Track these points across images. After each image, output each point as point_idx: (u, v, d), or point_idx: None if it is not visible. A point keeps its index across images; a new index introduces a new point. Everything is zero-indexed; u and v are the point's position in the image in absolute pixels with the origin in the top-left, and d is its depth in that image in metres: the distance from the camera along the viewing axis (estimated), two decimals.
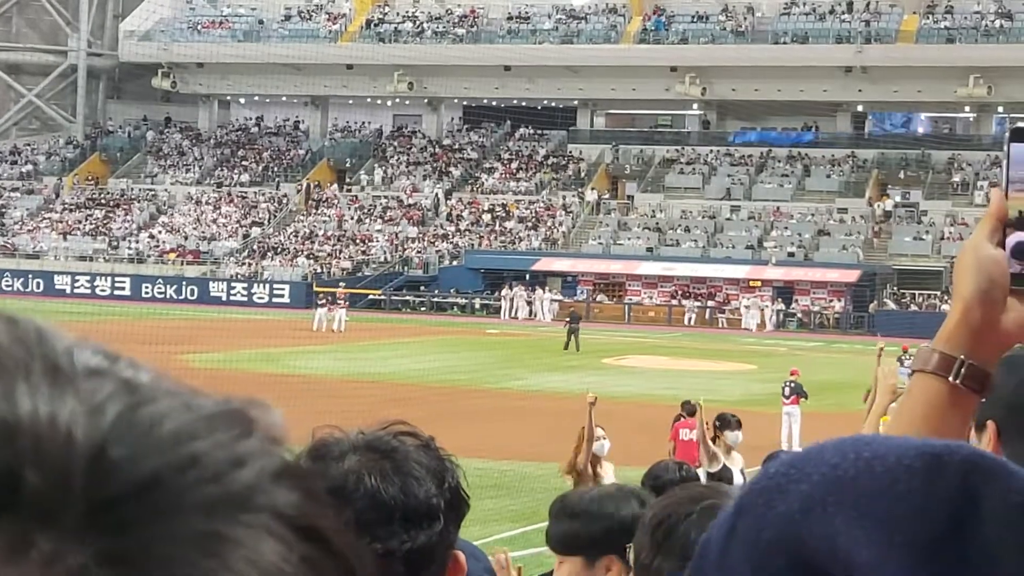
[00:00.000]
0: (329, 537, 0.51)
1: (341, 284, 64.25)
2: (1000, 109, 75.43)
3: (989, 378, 1.73)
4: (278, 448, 0.50)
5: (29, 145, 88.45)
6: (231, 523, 0.47)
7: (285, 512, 0.49)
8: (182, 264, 73.50)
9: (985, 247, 1.70)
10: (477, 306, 66.66)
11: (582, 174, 78.06)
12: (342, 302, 54.37)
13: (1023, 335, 1.74)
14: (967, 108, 76.14)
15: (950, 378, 1.70)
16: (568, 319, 49.54)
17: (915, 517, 0.86)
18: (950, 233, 67.76)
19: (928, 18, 74.49)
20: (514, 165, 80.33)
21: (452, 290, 67.97)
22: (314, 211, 78.63)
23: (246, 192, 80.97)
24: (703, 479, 10.67)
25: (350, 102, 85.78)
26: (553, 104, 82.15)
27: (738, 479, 12.72)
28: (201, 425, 0.47)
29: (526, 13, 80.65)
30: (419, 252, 72.28)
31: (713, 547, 0.94)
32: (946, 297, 61.70)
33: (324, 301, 54.52)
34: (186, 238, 76.40)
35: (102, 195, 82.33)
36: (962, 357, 1.70)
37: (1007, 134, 1.76)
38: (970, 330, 1.71)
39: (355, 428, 2.16)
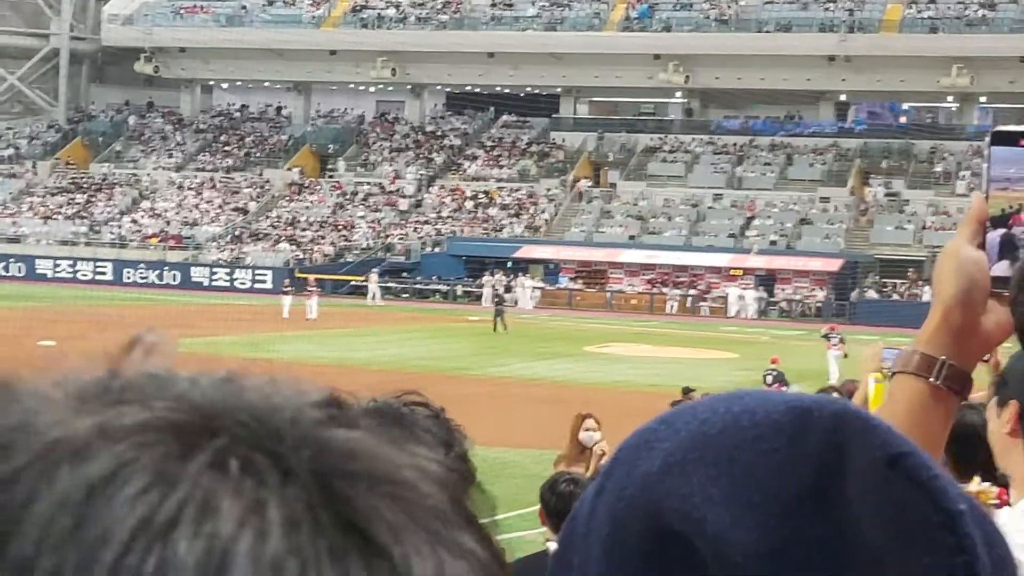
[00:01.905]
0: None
1: (373, 271, 64.49)
2: (982, 99, 75.60)
3: (970, 379, 1.75)
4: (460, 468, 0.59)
5: (11, 129, 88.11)
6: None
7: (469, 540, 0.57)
8: (164, 249, 73.33)
9: (966, 249, 1.73)
10: (459, 293, 66.64)
11: (563, 162, 77.99)
12: (315, 289, 54.05)
13: (1003, 337, 1.76)
14: (950, 98, 76.29)
15: (931, 379, 1.73)
16: (496, 302, 53.01)
17: (778, 474, 0.84)
18: (932, 223, 67.89)
19: (911, 8, 74.57)
20: (496, 152, 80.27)
21: (434, 277, 67.94)
22: (296, 197, 78.49)
23: (228, 178, 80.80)
24: None
25: (333, 88, 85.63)
26: (536, 91, 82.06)
27: None
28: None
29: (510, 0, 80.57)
30: (401, 238, 72.22)
31: (584, 507, 0.92)
32: (925, 285, 61.91)
33: (290, 288, 54.14)
34: (168, 223, 76.22)
35: (84, 180, 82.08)
36: (943, 358, 1.73)
37: (988, 137, 1.83)
38: (951, 332, 1.73)
39: (367, 395, 2.16)
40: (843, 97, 78.55)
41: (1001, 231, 1.74)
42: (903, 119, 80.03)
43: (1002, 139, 1.80)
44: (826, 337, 36.65)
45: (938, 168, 72.63)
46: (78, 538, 0.50)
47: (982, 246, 1.74)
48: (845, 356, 33.42)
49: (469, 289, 66.73)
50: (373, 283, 63.53)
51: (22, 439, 0.53)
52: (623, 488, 0.88)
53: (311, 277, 57.76)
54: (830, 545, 0.82)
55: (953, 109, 78.07)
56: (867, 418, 0.87)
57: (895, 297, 62.85)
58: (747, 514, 0.83)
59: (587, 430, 12.09)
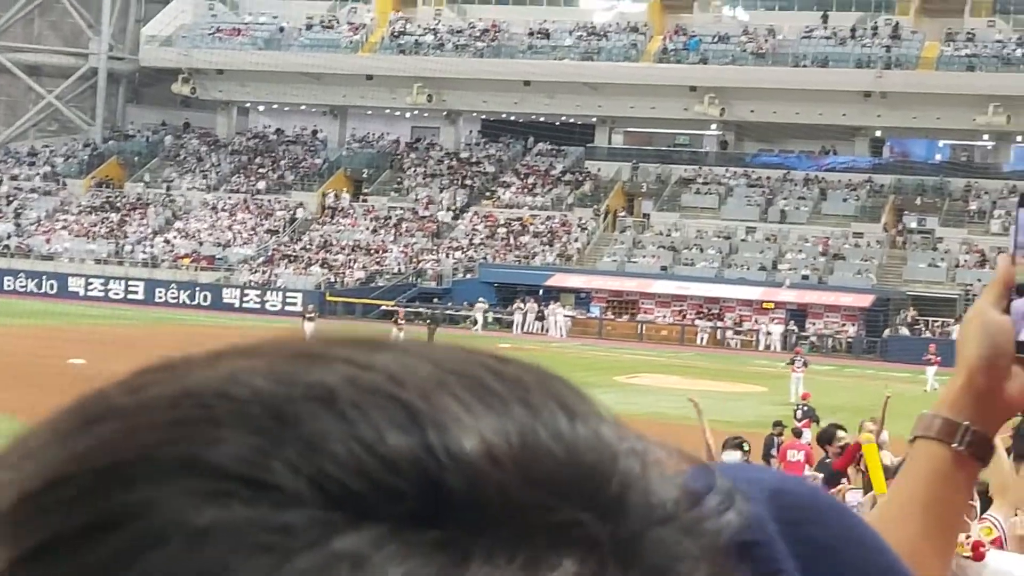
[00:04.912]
0: None
1: (480, 300, 65.25)
2: (1019, 138, 75.32)
3: (992, 445, 1.70)
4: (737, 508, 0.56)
5: (47, 147, 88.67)
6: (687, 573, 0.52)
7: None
8: (196, 270, 73.59)
9: (991, 313, 1.67)
10: (490, 320, 66.65)
11: (597, 191, 78.02)
12: (403, 323, 49.75)
13: None
14: (985, 136, 76.04)
15: (953, 444, 1.68)
16: (428, 321, 53.37)
17: None
18: (965, 261, 67.60)
19: (949, 45, 74.42)
20: (531, 180, 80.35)
21: (465, 303, 67.97)
22: (329, 220, 78.70)
23: (262, 200, 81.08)
24: None
25: (369, 112, 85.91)
26: (571, 120, 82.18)
27: None
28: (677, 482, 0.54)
29: (547, 29, 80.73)
30: (433, 264, 72.30)
31: None
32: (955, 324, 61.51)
33: (313, 315, 51.74)
34: (201, 244, 76.50)
35: (118, 199, 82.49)
36: (966, 423, 1.67)
37: (1018, 199, 1.75)
38: (974, 397, 1.68)
39: None
40: (878, 133, 78.39)
41: None
42: (938, 156, 79.76)
43: None
44: (791, 362, 40.70)
45: (972, 206, 72.36)
46: None
47: (1007, 311, 1.67)
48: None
49: (500, 316, 66.77)
50: (479, 312, 64.50)
51: None
52: None
53: (400, 310, 56.47)
54: None
55: (989, 147, 77.78)
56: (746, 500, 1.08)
57: (927, 334, 62.51)
58: None
59: None
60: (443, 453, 0.50)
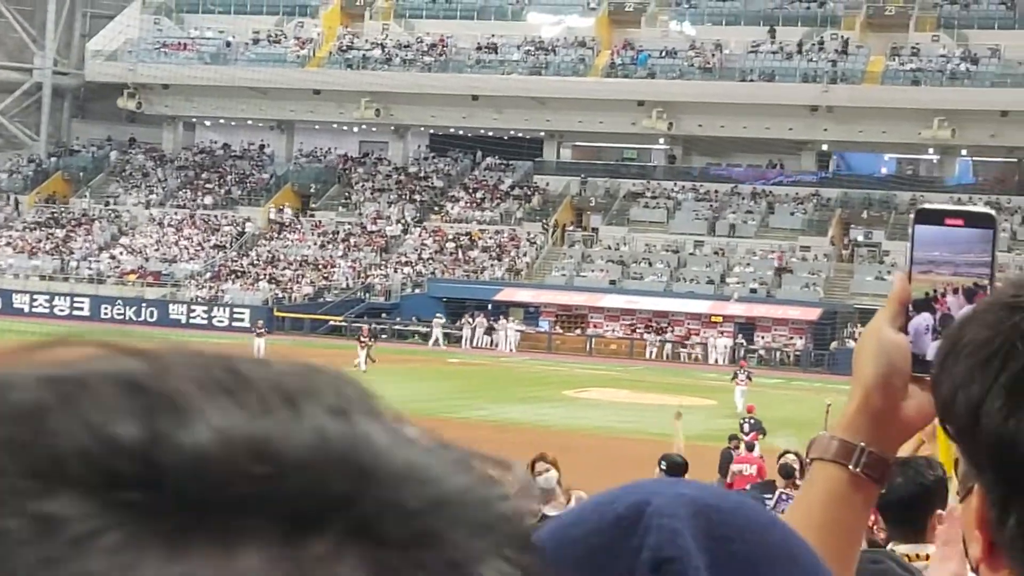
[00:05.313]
0: None
1: (438, 315, 65.18)
2: (963, 152, 75.91)
3: (889, 466, 1.68)
4: (524, 502, 0.56)
5: None
6: (476, 561, 0.52)
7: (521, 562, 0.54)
8: (142, 286, 73.04)
9: (887, 331, 1.66)
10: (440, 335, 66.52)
11: (545, 205, 78.04)
12: (367, 340, 50.95)
13: (924, 423, 1.68)
14: (931, 150, 76.57)
15: (850, 466, 1.65)
16: (368, 337, 52.37)
17: (609, 562, 0.92)
18: None
19: (894, 60, 74.91)
20: (479, 194, 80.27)
21: (414, 318, 67.79)
22: (277, 236, 78.33)
23: (209, 215, 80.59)
24: None
25: (316, 127, 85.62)
26: (520, 135, 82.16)
27: None
28: (459, 468, 0.54)
29: (495, 44, 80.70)
30: (382, 279, 72.07)
31: None
32: None
33: (263, 330, 51.84)
34: (147, 259, 75.94)
35: (64, 214, 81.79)
36: (862, 445, 1.65)
37: (912, 216, 1.75)
38: (870, 417, 1.66)
39: None
40: (825, 147, 78.80)
41: (926, 315, 1.66)
42: (884, 170, 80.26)
43: (926, 218, 1.71)
44: (735, 376, 41.63)
45: None
46: None
47: (904, 328, 1.66)
48: None
49: (448, 331, 66.60)
50: (438, 327, 64.46)
51: None
52: None
53: (365, 327, 55.89)
54: None
55: (934, 161, 78.34)
56: (666, 516, 0.95)
57: None
58: None
59: (540, 473, 11.55)
60: (171, 440, 0.52)
